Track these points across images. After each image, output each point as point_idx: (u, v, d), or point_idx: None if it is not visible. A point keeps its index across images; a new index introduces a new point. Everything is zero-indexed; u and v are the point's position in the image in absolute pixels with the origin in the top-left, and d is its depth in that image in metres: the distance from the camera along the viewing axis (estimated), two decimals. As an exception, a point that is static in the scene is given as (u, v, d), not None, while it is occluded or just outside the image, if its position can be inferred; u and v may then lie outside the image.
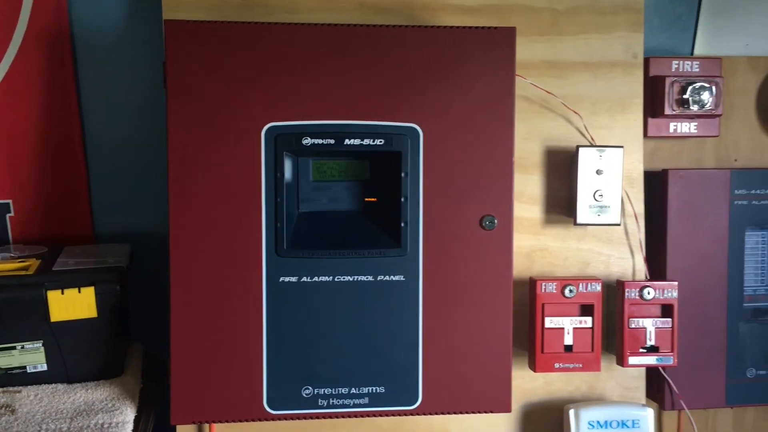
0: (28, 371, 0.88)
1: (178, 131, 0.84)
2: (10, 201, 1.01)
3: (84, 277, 0.87)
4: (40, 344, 0.87)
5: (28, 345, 0.87)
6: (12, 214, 1.01)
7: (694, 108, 1.02)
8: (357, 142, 0.86)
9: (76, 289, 0.86)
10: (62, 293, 0.85)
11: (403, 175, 0.87)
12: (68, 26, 0.99)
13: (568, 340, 0.96)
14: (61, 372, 0.89)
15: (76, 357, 0.88)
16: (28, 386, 0.88)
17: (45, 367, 0.88)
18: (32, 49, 0.98)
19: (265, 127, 0.85)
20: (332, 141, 0.86)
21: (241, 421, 0.86)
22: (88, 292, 0.86)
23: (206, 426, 0.94)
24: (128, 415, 0.85)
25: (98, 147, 1.03)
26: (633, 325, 0.97)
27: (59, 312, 0.86)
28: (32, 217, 1.01)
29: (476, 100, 0.88)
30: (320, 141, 0.86)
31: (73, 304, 0.86)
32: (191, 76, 0.84)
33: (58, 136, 1.01)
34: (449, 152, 0.88)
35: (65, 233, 1.03)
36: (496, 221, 0.88)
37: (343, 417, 0.88)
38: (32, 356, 0.88)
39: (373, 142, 0.86)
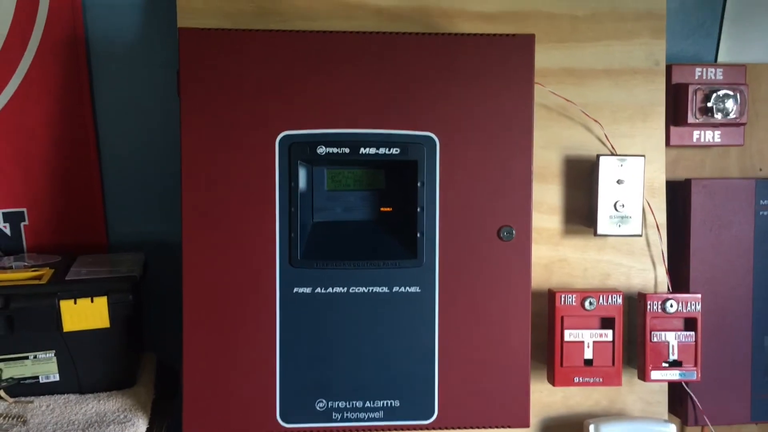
0: (41, 381, 0.87)
1: (191, 139, 0.83)
2: (24, 209, 1.01)
3: (97, 286, 0.86)
4: (53, 354, 0.87)
5: (40, 355, 0.87)
6: (26, 222, 1.01)
7: (718, 116, 1.00)
8: (372, 151, 0.85)
9: (89, 299, 0.85)
10: (75, 303, 0.85)
11: (419, 184, 0.86)
12: (83, 34, 0.99)
13: (588, 353, 0.94)
14: (73, 382, 0.88)
15: (89, 367, 0.88)
16: (40, 396, 0.87)
17: (57, 378, 0.88)
18: (47, 56, 0.98)
19: (280, 136, 0.84)
20: (347, 150, 0.84)
21: (253, 434, 0.85)
22: (101, 302, 0.85)
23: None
24: (140, 426, 0.84)
25: (112, 155, 1.03)
26: (655, 339, 0.95)
27: (72, 322, 0.85)
28: (46, 225, 1.01)
29: (494, 109, 0.86)
30: (335, 150, 0.84)
31: (85, 314, 0.85)
32: (205, 84, 0.83)
33: (73, 144, 1.00)
34: (466, 161, 0.86)
35: (79, 242, 1.02)
36: (514, 232, 0.87)
37: (357, 431, 0.86)
38: (44, 366, 0.87)
39: (389, 151, 0.85)
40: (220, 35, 0.83)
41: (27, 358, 0.86)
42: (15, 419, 0.83)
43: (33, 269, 0.90)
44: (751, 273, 1.01)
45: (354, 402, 0.86)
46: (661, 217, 1.00)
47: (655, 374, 0.95)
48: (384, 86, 0.85)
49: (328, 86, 0.84)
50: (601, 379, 0.94)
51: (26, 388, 0.87)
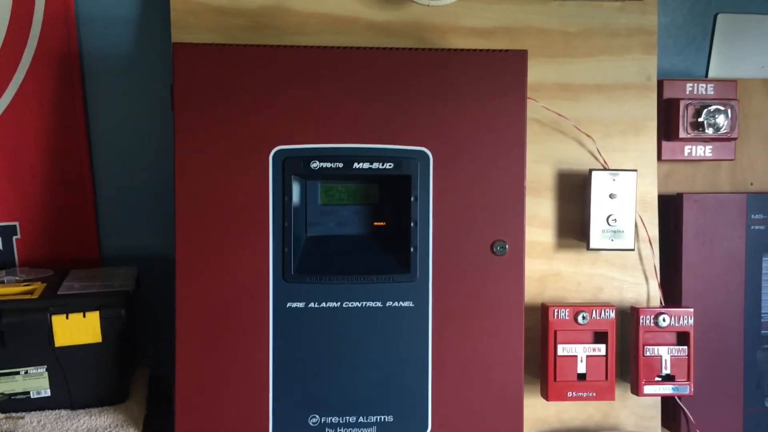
0: (32, 397, 0.87)
1: (185, 154, 0.83)
2: (17, 223, 1.00)
3: (89, 301, 0.86)
4: (44, 369, 0.86)
5: (32, 370, 0.86)
6: (19, 236, 1.01)
7: (709, 131, 1.01)
8: (366, 165, 0.85)
9: (81, 314, 0.85)
10: (67, 318, 0.84)
11: (412, 199, 0.86)
12: (77, 48, 0.99)
13: (582, 368, 0.94)
14: (64, 398, 0.87)
15: (80, 382, 0.87)
16: (31, 412, 0.87)
17: (48, 393, 0.87)
18: (41, 71, 0.98)
19: (273, 151, 0.84)
20: (341, 165, 0.85)
21: (246, 449, 0.85)
22: (93, 317, 0.85)
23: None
24: (132, 442, 0.83)
25: (105, 169, 1.03)
26: (648, 353, 0.95)
27: (64, 337, 0.85)
28: (39, 239, 1.01)
29: (487, 124, 0.86)
30: (329, 165, 0.85)
31: (77, 329, 0.85)
32: (199, 99, 0.83)
33: (66, 158, 1.00)
34: (459, 176, 0.86)
35: (72, 256, 1.02)
36: (507, 246, 0.87)
37: (350, 446, 0.86)
38: (36, 381, 0.86)
39: (383, 165, 0.85)
40: (214, 50, 0.84)
41: (18, 373, 0.86)
42: (6, 435, 0.82)
43: (25, 284, 0.90)
44: (743, 287, 1.02)
45: (347, 417, 0.86)
46: (654, 232, 1.01)
47: (648, 388, 0.95)
48: (377, 101, 0.85)
49: (322, 101, 0.85)
50: (594, 394, 0.94)
51: (17, 404, 0.86)
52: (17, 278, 0.92)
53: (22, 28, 0.97)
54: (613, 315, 0.94)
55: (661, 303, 1.00)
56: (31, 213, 1.00)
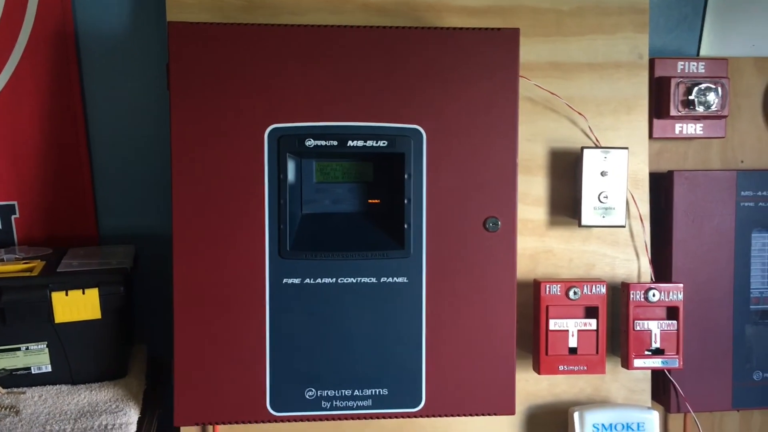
0: (33, 372, 0.88)
1: (181, 133, 0.84)
2: (15, 202, 1.01)
3: (88, 278, 0.87)
4: (45, 345, 0.88)
5: (32, 346, 0.88)
6: (17, 215, 1.02)
7: (700, 109, 1.02)
8: (360, 143, 0.86)
9: (80, 291, 0.86)
10: (66, 295, 0.86)
11: (406, 176, 0.87)
12: (73, 28, 1.00)
13: (573, 342, 0.96)
14: (65, 373, 0.89)
15: (80, 358, 0.89)
16: (33, 387, 0.88)
17: (49, 368, 0.88)
18: (37, 50, 0.99)
19: (268, 129, 0.85)
20: (335, 143, 0.86)
21: (244, 422, 0.86)
22: (92, 294, 0.86)
23: (209, 427, 0.94)
24: (132, 416, 0.85)
25: (102, 148, 1.03)
26: (638, 328, 0.97)
27: (63, 313, 0.86)
28: (37, 218, 1.02)
29: (480, 102, 0.87)
30: (323, 143, 0.85)
31: (77, 306, 0.86)
32: (194, 77, 0.84)
33: (63, 137, 1.01)
34: (452, 154, 0.87)
35: (70, 234, 1.03)
36: (499, 223, 0.88)
37: (346, 419, 0.88)
38: (37, 357, 0.88)
39: (376, 143, 0.86)
40: (209, 29, 0.84)
41: (19, 349, 0.87)
42: (8, 410, 0.84)
43: (24, 262, 0.91)
44: (732, 263, 1.03)
45: (343, 390, 0.87)
46: (645, 209, 1.02)
47: (637, 362, 0.97)
48: (371, 80, 0.86)
49: (317, 80, 0.85)
50: (585, 368, 0.96)
51: (18, 379, 0.88)
52: (16, 256, 0.93)
53: (18, 8, 0.98)
54: (604, 290, 0.96)
55: (651, 279, 1.01)
56: (30, 192, 1.01)
